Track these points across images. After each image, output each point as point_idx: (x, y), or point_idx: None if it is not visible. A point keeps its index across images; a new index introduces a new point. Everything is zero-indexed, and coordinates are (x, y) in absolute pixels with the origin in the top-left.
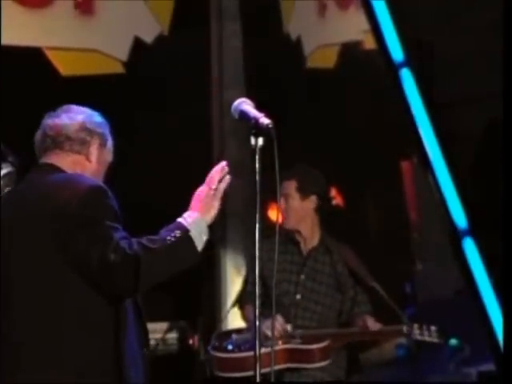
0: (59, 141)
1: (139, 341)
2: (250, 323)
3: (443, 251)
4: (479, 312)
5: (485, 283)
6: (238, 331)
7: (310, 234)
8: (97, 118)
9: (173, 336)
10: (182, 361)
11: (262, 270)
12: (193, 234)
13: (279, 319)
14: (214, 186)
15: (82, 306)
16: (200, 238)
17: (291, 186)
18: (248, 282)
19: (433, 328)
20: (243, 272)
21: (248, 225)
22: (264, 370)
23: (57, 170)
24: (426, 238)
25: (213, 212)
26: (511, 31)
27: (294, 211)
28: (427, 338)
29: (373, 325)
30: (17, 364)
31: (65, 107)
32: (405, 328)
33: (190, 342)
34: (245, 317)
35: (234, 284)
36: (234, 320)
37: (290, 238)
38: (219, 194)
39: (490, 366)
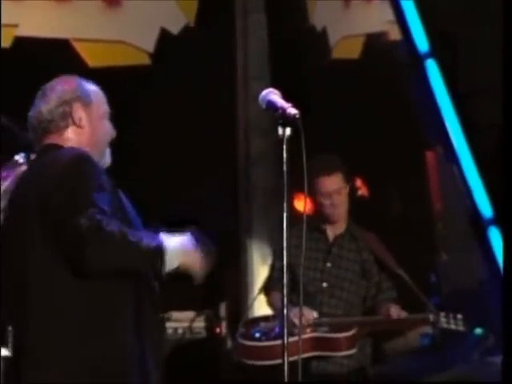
0: (44, 127)
1: (154, 330)
2: (276, 310)
3: (467, 241)
4: (504, 301)
5: (509, 272)
6: (266, 319)
7: (341, 222)
8: (69, 84)
9: (200, 325)
10: (209, 349)
11: (289, 258)
12: (166, 257)
13: (306, 308)
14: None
15: (97, 295)
16: (167, 265)
17: (340, 179)
18: (275, 269)
19: (459, 316)
20: (268, 261)
21: (273, 214)
22: (291, 358)
23: (56, 147)
24: (450, 228)
25: (183, 263)
26: None
27: (346, 203)
28: (453, 327)
29: (396, 313)
30: (34, 361)
31: (39, 93)
32: (431, 316)
33: (217, 330)
34: (271, 303)
35: (259, 273)
36: (260, 307)
37: (315, 225)
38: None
39: None
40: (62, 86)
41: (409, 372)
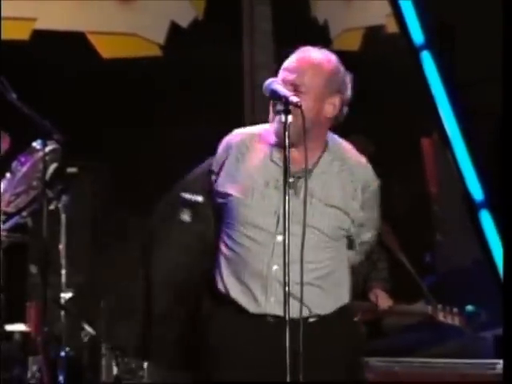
0: None
1: None
2: None
3: (462, 223)
4: (495, 280)
5: (500, 252)
6: None
7: None
8: None
9: None
10: None
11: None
12: None
13: None
14: None
15: None
16: None
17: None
18: None
19: (454, 310)
20: None
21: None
22: None
23: None
24: (445, 210)
25: None
26: None
27: None
28: (449, 321)
29: (384, 302)
30: None
31: None
32: (429, 309)
33: None
34: None
35: None
36: None
37: None
38: None
39: None
40: None
41: (405, 346)
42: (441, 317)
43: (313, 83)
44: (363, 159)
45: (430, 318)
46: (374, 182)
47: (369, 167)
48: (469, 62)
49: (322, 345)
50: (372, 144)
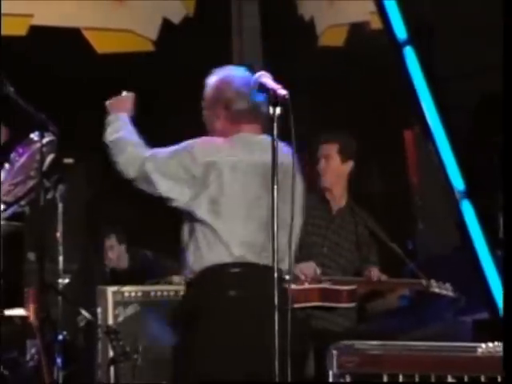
0: None
1: None
2: None
3: (442, 212)
4: (474, 267)
5: (480, 240)
6: None
7: (340, 195)
8: None
9: None
10: None
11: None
12: None
13: (312, 264)
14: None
15: None
16: None
17: (333, 148)
18: None
19: (447, 284)
20: None
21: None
22: (298, 305)
23: None
24: (426, 200)
25: None
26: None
27: (333, 172)
28: (444, 291)
29: (376, 275)
30: None
31: None
32: (424, 282)
33: None
34: None
35: None
36: None
37: (320, 196)
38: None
39: (483, 315)
40: None
41: (388, 330)
42: (435, 288)
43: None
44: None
45: (425, 288)
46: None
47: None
48: (449, 58)
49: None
50: (353, 140)
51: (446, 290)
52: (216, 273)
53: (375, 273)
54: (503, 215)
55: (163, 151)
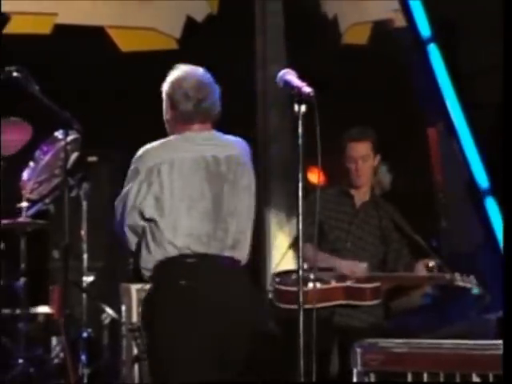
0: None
1: None
2: (307, 260)
3: (466, 209)
4: (498, 264)
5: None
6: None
7: (366, 190)
8: None
9: None
10: None
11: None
12: None
13: (357, 263)
14: None
15: None
16: None
17: (369, 147)
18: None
19: (471, 276)
20: (284, 226)
21: (289, 185)
22: (322, 304)
23: None
24: (449, 197)
25: None
26: None
27: (370, 170)
28: (468, 284)
29: (421, 271)
30: None
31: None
32: (448, 275)
33: None
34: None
35: (276, 236)
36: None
37: (344, 191)
38: None
39: None
40: None
41: (412, 328)
42: (459, 282)
43: None
44: None
45: (449, 282)
46: None
47: None
48: (473, 54)
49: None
50: (376, 135)
51: (470, 283)
52: (165, 266)
53: (421, 269)
54: (503, 215)
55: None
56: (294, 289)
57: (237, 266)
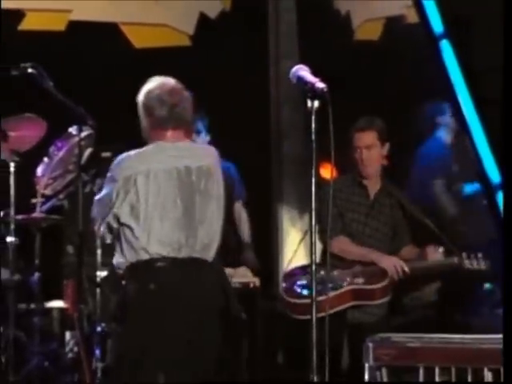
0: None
1: None
2: (351, 253)
3: (477, 204)
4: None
5: None
6: (304, 268)
7: (376, 180)
8: None
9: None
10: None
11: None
12: None
13: (397, 260)
14: None
15: None
16: None
17: (373, 136)
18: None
19: (479, 255)
20: (296, 222)
21: (302, 181)
22: (334, 310)
23: None
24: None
25: None
26: None
27: (377, 159)
28: (476, 266)
29: (433, 254)
30: None
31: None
32: (456, 259)
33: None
34: (339, 248)
35: (288, 232)
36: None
37: (357, 181)
38: None
39: None
40: None
41: (424, 323)
42: (467, 264)
43: None
44: None
45: (458, 266)
46: None
47: None
48: (485, 51)
49: None
50: (383, 123)
51: (478, 263)
52: (136, 269)
53: (431, 252)
54: (503, 214)
55: None
56: (307, 301)
57: (204, 263)
